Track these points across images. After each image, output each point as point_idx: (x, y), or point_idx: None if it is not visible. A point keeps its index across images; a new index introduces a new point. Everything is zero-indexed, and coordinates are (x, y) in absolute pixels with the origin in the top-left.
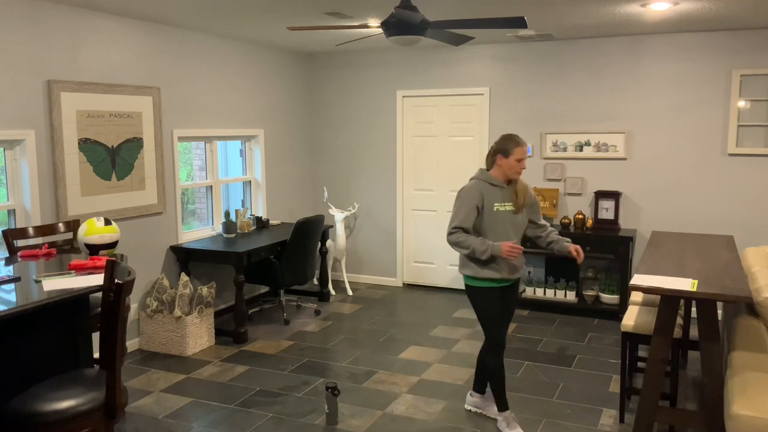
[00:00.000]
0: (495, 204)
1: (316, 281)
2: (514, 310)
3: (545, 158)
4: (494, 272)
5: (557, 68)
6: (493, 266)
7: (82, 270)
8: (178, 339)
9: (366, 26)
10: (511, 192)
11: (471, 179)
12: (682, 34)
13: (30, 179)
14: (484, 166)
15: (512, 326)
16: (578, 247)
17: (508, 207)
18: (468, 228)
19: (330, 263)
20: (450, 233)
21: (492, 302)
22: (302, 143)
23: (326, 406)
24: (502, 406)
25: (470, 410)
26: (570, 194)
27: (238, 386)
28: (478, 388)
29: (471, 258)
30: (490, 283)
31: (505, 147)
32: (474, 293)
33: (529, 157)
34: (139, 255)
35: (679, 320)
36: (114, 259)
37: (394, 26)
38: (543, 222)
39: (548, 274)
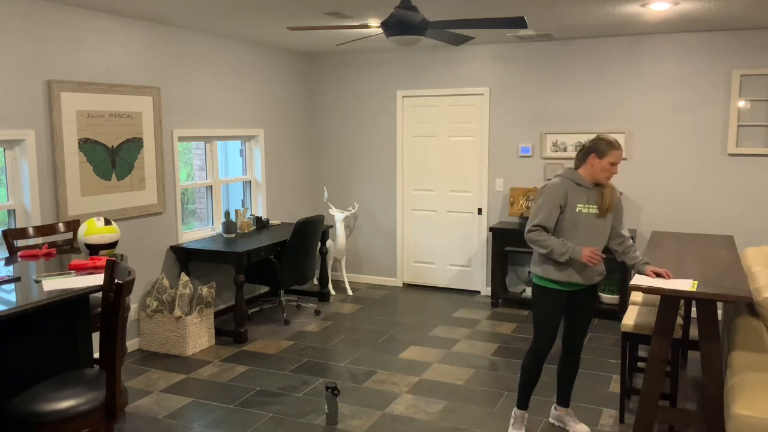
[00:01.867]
0: (578, 205)
1: (316, 281)
2: (588, 317)
3: (545, 158)
4: (567, 276)
5: (557, 68)
6: (569, 270)
7: (82, 270)
8: (178, 339)
9: (366, 26)
10: (596, 194)
11: (556, 176)
12: (682, 34)
13: (30, 179)
14: (485, 166)
15: (512, 326)
16: (662, 270)
17: (592, 210)
18: (549, 227)
19: (330, 263)
20: (530, 230)
21: (552, 305)
22: (302, 143)
23: (326, 407)
24: (520, 403)
25: (553, 423)
26: None
27: (238, 386)
28: (561, 400)
29: (546, 258)
30: (556, 286)
31: (600, 147)
32: (538, 292)
33: (529, 156)
34: (139, 255)
35: (679, 320)
36: (114, 259)
37: (394, 26)
38: (624, 232)
39: None
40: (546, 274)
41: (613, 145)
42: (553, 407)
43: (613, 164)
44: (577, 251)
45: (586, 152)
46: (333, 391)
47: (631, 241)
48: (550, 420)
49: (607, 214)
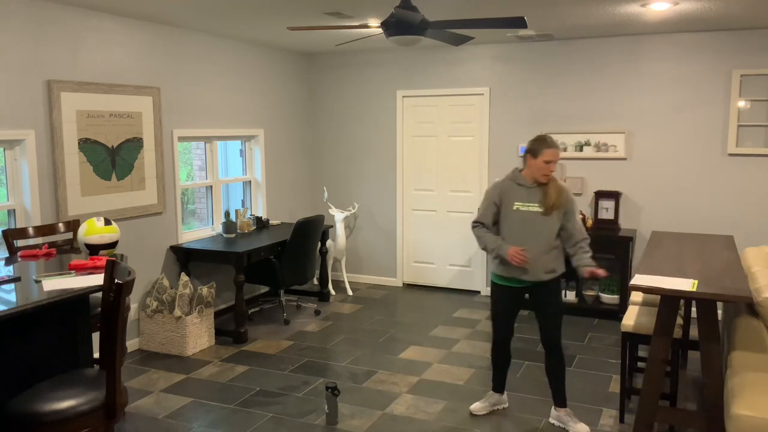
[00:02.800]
0: (516, 203)
1: (316, 281)
2: (552, 312)
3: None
4: (508, 272)
5: (557, 68)
6: (509, 266)
7: (82, 270)
8: (178, 339)
9: (366, 26)
10: (540, 192)
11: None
12: (682, 34)
13: (30, 179)
14: (485, 166)
15: None
16: (598, 272)
17: (534, 207)
18: (487, 223)
19: (330, 263)
20: (473, 226)
21: (498, 299)
22: (302, 143)
23: (326, 406)
24: (494, 385)
25: (553, 423)
26: None
27: (238, 386)
28: (557, 401)
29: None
30: (503, 281)
31: (534, 147)
32: (491, 287)
33: None
34: (139, 255)
35: (679, 320)
36: (114, 259)
37: (394, 26)
38: (577, 234)
39: None
40: (493, 269)
41: (547, 143)
42: (552, 408)
43: (548, 162)
44: (504, 249)
45: (525, 153)
46: (333, 391)
47: (584, 243)
48: (550, 420)
49: (551, 212)
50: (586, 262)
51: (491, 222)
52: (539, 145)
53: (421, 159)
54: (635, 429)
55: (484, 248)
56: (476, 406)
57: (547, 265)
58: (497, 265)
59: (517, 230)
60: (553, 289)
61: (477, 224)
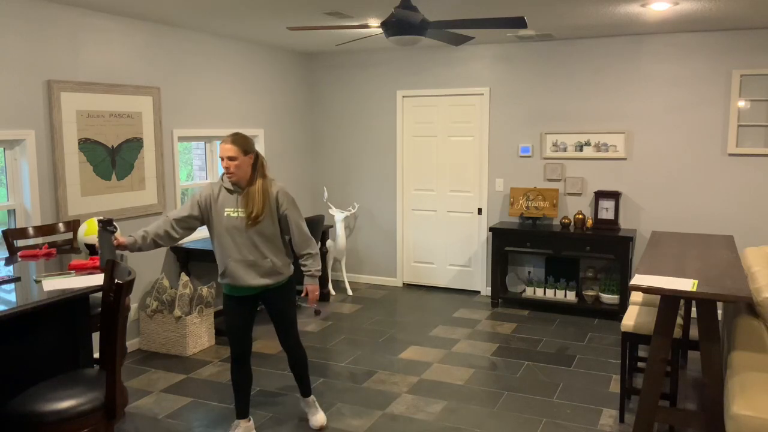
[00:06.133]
0: (226, 209)
1: None
2: (281, 317)
3: (545, 158)
4: (230, 280)
5: (557, 68)
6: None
7: (82, 270)
8: (178, 339)
9: (366, 26)
10: (243, 198)
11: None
12: (682, 34)
13: (30, 179)
14: (484, 166)
15: (512, 326)
16: (311, 289)
17: (241, 214)
18: (180, 218)
19: (330, 263)
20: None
21: (229, 311)
22: (302, 143)
23: (97, 246)
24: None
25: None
26: (570, 194)
27: None
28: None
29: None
30: (228, 291)
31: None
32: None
33: (529, 156)
34: (139, 255)
35: (679, 320)
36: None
37: (394, 26)
38: (301, 246)
39: (548, 274)
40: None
41: (222, 140)
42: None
43: (222, 158)
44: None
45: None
46: (106, 226)
47: (308, 256)
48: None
49: (256, 219)
50: (307, 277)
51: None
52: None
53: (421, 159)
54: (635, 429)
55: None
56: None
57: (264, 266)
58: (221, 277)
59: (227, 239)
60: (285, 295)
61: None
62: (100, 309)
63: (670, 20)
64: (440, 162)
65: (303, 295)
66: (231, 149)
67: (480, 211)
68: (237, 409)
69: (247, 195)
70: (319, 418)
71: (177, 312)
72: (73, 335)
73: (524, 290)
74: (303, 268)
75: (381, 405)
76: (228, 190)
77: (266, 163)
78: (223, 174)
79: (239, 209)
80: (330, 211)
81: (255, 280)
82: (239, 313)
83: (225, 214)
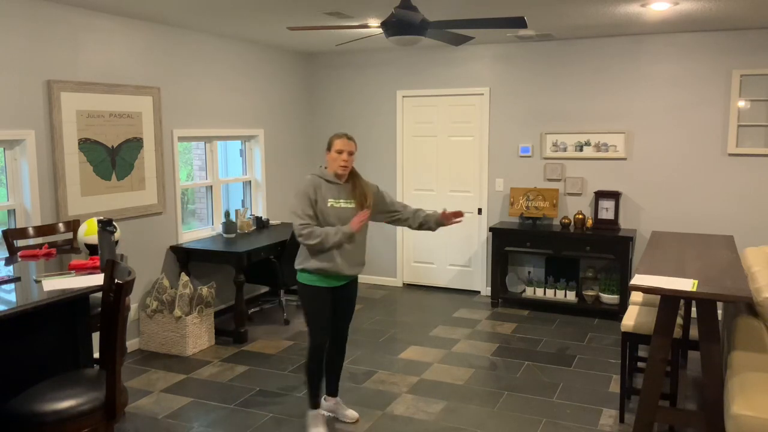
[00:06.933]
0: (329, 200)
1: None
2: (348, 306)
3: (545, 158)
4: (333, 266)
5: (557, 68)
6: (334, 261)
7: (82, 270)
8: (178, 339)
9: (366, 26)
10: (348, 189)
11: (307, 175)
12: (682, 34)
13: (30, 179)
14: (484, 166)
15: (512, 326)
16: (454, 213)
17: (347, 204)
18: (313, 220)
19: None
20: (300, 226)
21: (317, 302)
22: (302, 143)
23: (99, 248)
24: (313, 404)
25: (323, 414)
26: (570, 194)
27: (238, 386)
28: (330, 390)
29: (314, 252)
30: (319, 282)
31: (329, 142)
32: (303, 290)
33: (529, 156)
34: (139, 255)
35: (679, 320)
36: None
37: (394, 26)
38: (397, 203)
39: (548, 274)
40: (311, 266)
41: (338, 135)
42: (323, 398)
43: (340, 152)
44: (346, 227)
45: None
46: (106, 226)
47: (408, 207)
48: (322, 412)
49: (364, 207)
50: (435, 215)
51: (314, 218)
52: (331, 139)
53: (421, 159)
54: (635, 429)
55: (324, 239)
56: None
57: (359, 257)
58: (317, 261)
59: (336, 226)
60: (355, 287)
61: (305, 223)
62: (100, 309)
63: (670, 20)
64: (440, 162)
65: (449, 217)
66: (353, 145)
67: (480, 211)
68: (320, 396)
69: (356, 187)
70: (352, 412)
71: (177, 312)
72: (73, 335)
73: (524, 290)
74: (425, 215)
75: (381, 405)
76: (330, 182)
77: None
78: (321, 166)
79: (349, 200)
80: None
81: (352, 269)
82: (329, 303)
83: (329, 205)
